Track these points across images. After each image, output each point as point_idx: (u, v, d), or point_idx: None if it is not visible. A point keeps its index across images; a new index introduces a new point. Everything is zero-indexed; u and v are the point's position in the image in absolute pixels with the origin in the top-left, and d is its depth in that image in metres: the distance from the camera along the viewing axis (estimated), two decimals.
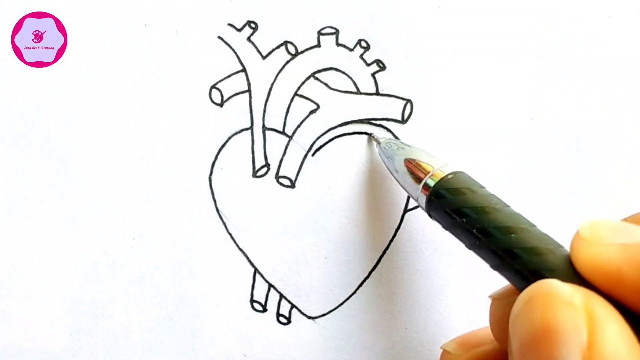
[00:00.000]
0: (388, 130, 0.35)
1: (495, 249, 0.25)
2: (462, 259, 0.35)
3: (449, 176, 0.29)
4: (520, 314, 0.22)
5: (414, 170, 0.30)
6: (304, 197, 0.35)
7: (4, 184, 0.34)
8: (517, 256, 0.24)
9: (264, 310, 0.35)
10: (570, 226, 0.35)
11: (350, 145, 0.35)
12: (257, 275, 0.35)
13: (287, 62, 0.34)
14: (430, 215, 0.29)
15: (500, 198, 0.28)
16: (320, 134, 0.35)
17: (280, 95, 0.34)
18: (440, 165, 0.29)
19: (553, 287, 0.22)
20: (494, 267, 0.26)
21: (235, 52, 0.34)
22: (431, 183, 0.29)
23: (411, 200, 0.35)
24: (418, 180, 0.29)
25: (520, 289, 0.24)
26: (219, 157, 0.34)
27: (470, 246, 0.27)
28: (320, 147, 0.35)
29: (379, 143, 0.33)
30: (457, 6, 0.34)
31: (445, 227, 0.28)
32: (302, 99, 0.35)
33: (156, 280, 0.34)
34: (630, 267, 0.21)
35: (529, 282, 0.23)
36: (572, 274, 0.23)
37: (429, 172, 0.29)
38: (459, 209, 0.27)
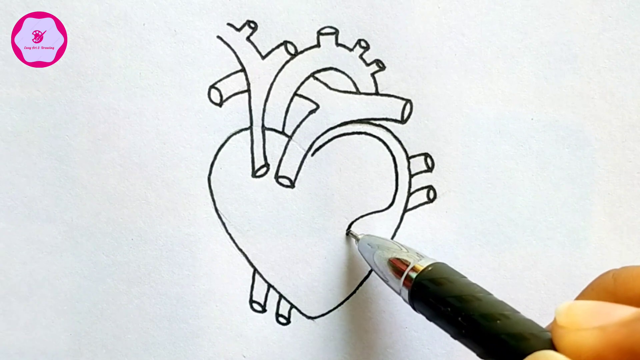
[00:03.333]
0: (388, 130, 0.35)
1: (481, 336, 0.25)
2: (461, 259, 0.35)
3: (429, 268, 0.29)
4: None
5: (395, 263, 0.31)
6: (303, 197, 0.35)
7: (4, 183, 0.34)
8: (503, 342, 0.24)
9: (264, 310, 0.35)
10: (570, 226, 0.35)
11: (349, 145, 0.35)
12: (257, 276, 0.35)
13: (287, 62, 0.34)
14: (414, 308, 0.30)
15: (482, 287, 0.28)
16: (319, 133, 0.35)
17: (279, 95, 0.34)
18: (418, 258, 0.30)
19: (549, 356, 0.22)
20: (481, 355, 0.26)
21: (235, 52, 0.34)
22: (413, 275, 0.29)
23: (411, 199, 0.35)
24: (399, 273, 0.30)
25: None
26: (218, 157, 0.34)
27: (455, 335, 0.27)
28: (320, 147, 0.35)
29: (357, 240, 0.34)
30: (457, 6, 0.34)
31: (430, 318, 0.29)
32: (301, 98, 0.35)
33: (155, 281, 0.34)
34: (609, 350, 0.22)
35: None
36: None
37: (408, 265, 0.30)
38: (443, 298, 0.27)
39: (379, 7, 0.34)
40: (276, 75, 0.34)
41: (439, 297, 0.28)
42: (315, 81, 0.34)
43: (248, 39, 0.34)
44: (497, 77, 0.35)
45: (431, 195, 0.35)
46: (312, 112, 0.35)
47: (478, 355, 0.26)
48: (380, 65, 0.34)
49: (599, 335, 0.22)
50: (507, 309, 0.26)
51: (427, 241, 0.35)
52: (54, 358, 0.34)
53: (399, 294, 0.30)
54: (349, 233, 0.35)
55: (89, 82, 0.34)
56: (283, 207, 0.35)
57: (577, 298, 0.27)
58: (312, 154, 0.35)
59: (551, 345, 0.23)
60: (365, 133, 0.35)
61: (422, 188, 0.35)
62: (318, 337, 0.35)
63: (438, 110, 0.35)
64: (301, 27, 0.34)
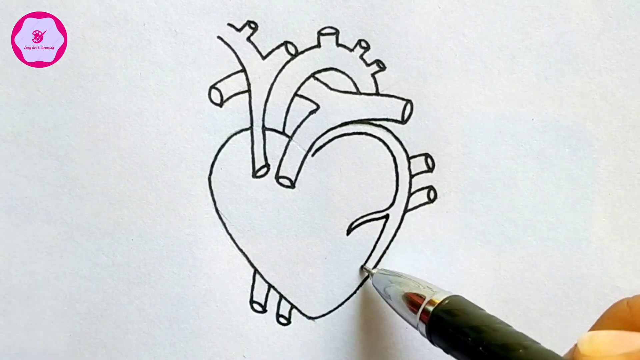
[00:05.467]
0: (388, 130, 0.35)
1: None
2: (461, 259, 0.35)
3: (446, 301, 0.29)
4: None
5: (411, 297, 0.31)
6: (303, 197, 0.35)
7: (4, 183, 0.34)
8: None
9: (264, 310, 0.35)
10: (571, 226, 0.35)
11: (350, 145, 0.35)
12: (257, 276, 0.35)
13: (287, 62, 0.34)
14: (431, 341, 0.30)
15: (499, 318, 0.28)
16: (320, 134, 0.35)
17: (280, 96, 0.34)
18: (433, 292, 0.30)
19: None
20: None
21: (235, 52, 0.34)
22: (430, 309, 0.29)
23: (411, 199, 0.35)
24: (415, 307, 0.30)
25: None
26: (218, 157, 0.34)
27: None
28: (320, 147, 0.35)
29: (371, 275, 0.34)
30: (457, 6, 0.34)
31: (447, 350, 0.29)
32: (302, 99, 0.35)
33: (155, 281, 0.34)
34: None
35: None
36: None
37: (424, 299, 0.30)
38: (462, 329, 0.28)
39: (379, 7, 0.34)
40: (276, 76, 0.34)
41: (458, 328, 0.28)
42: (316, 81, 0.34)
43: (248, 39, 0.34)
44: (498, 77, 0.35)
45: (432, 195, 0.35)
46: (312, 112, 0.35)
47: None
48: (381, 65, 0.34)
49: None
50: (527, 340, 0.26)
51: (428, 242, 0.35)
52: (54, 358, 0.34)
53: (416, 327, 0.30)
54: (362, 268, 0.35)
55: (89, 82, 0.34)
56: (283, 208, 0.35)
57: (593, 328, 0.27)
58: (313, 154, 0.35)
59: None
60: (366, 133, 0.35)
61: (423, 188, 0.35)
62: (318, 338, 0.35)
63: (438, 111, 0.35)
64: (301, 27, 0.34)
